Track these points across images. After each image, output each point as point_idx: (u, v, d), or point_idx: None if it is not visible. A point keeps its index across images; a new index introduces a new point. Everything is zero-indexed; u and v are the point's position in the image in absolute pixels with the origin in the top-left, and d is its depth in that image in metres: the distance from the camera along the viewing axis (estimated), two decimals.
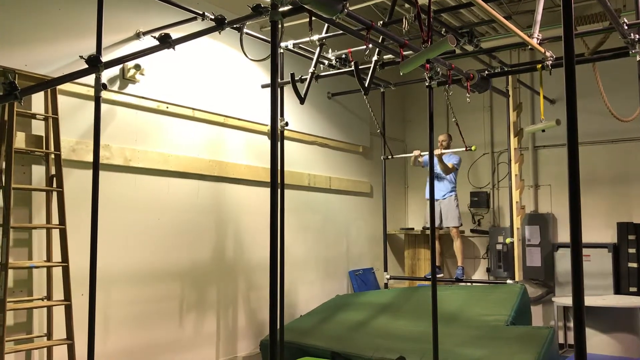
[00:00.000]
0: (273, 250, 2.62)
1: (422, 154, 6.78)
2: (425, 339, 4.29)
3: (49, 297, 3.88)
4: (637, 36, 4.12)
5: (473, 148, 6.13)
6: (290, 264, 5.77)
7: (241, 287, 5.48)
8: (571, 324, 5.96)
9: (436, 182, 6.85)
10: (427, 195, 6.71)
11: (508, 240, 6.25)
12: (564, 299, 6.21)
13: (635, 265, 6.32)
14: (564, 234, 7.05)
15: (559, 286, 6.77)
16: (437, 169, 6.72)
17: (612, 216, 6.73)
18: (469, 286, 6.63)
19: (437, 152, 6.50)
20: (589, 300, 5.61)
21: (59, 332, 3.86)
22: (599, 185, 6.83)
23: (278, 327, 5.03)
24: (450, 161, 6.74)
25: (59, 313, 3.87)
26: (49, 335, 3.86)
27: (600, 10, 5.13)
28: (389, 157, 6.97)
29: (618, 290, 6.38)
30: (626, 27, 4.05)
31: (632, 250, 6.36)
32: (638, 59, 4.16)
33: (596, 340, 5.78)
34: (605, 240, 6.67)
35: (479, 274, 7.65)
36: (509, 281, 6.10)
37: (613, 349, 5.75)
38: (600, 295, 6.16)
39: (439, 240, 7.07)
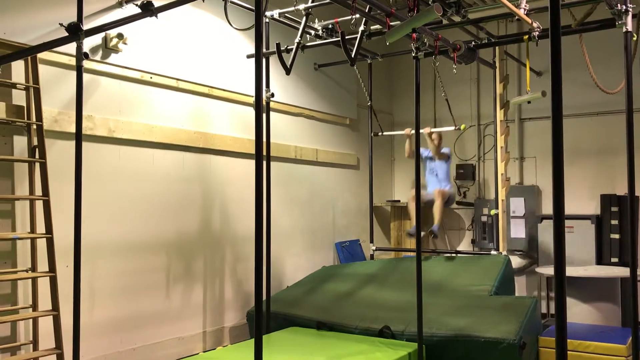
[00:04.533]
0: (258, 222, 2.62)
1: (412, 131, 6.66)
2: (410, 309, 4.34)
3: (33, 268, 3.87)
4: (624, 7, 4.10)
5: (462, 127, 6.12)
6: (277, 236, 5.79)
7: (228, 259, 5.50)
8: (553, 294, 6.07)
9: (432, 177, 6.82)
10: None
11: (493, 212, 6.29)
12: (547, 269, 6.30)
13: (617, 236, 6.41)
14: (548, 206, 7.12)
15: (542, 257, 6.87)
16: (432, 155, 6.68)
17: (595, 188, 6.80)
18: (454, 257, 6.70)
19: (431, 141, 6.47)
20: (571, 271, 5.70)
21: (45, 303, 3.86)
22: (584, 157, 6.88)
23: (264, 297, 5.07)
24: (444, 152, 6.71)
25: (44, 284, 3.86)
26: (34, 306, 3.86)
27: None
28: (379, 133, 6.93)
29: (600, 261, 6.48)
30: None
31: (614, 222, 6.45)
32: (624, 30, 4.15)
33: (577, 310, 5.88)
34: (588, 212, 6.74)
35: (464, 245, 7.72)
36: (493, 252, 6.17)
37: (594, 318, 5.86)
38: (583, 266, 6.26)
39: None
